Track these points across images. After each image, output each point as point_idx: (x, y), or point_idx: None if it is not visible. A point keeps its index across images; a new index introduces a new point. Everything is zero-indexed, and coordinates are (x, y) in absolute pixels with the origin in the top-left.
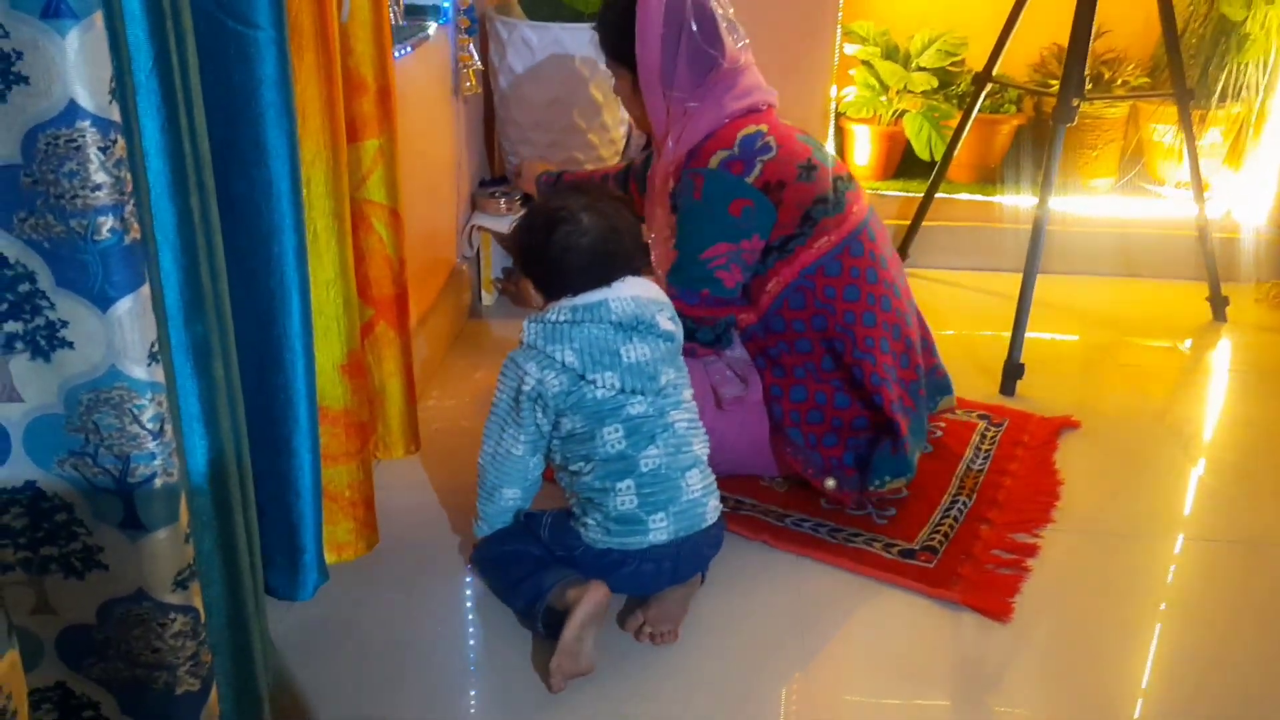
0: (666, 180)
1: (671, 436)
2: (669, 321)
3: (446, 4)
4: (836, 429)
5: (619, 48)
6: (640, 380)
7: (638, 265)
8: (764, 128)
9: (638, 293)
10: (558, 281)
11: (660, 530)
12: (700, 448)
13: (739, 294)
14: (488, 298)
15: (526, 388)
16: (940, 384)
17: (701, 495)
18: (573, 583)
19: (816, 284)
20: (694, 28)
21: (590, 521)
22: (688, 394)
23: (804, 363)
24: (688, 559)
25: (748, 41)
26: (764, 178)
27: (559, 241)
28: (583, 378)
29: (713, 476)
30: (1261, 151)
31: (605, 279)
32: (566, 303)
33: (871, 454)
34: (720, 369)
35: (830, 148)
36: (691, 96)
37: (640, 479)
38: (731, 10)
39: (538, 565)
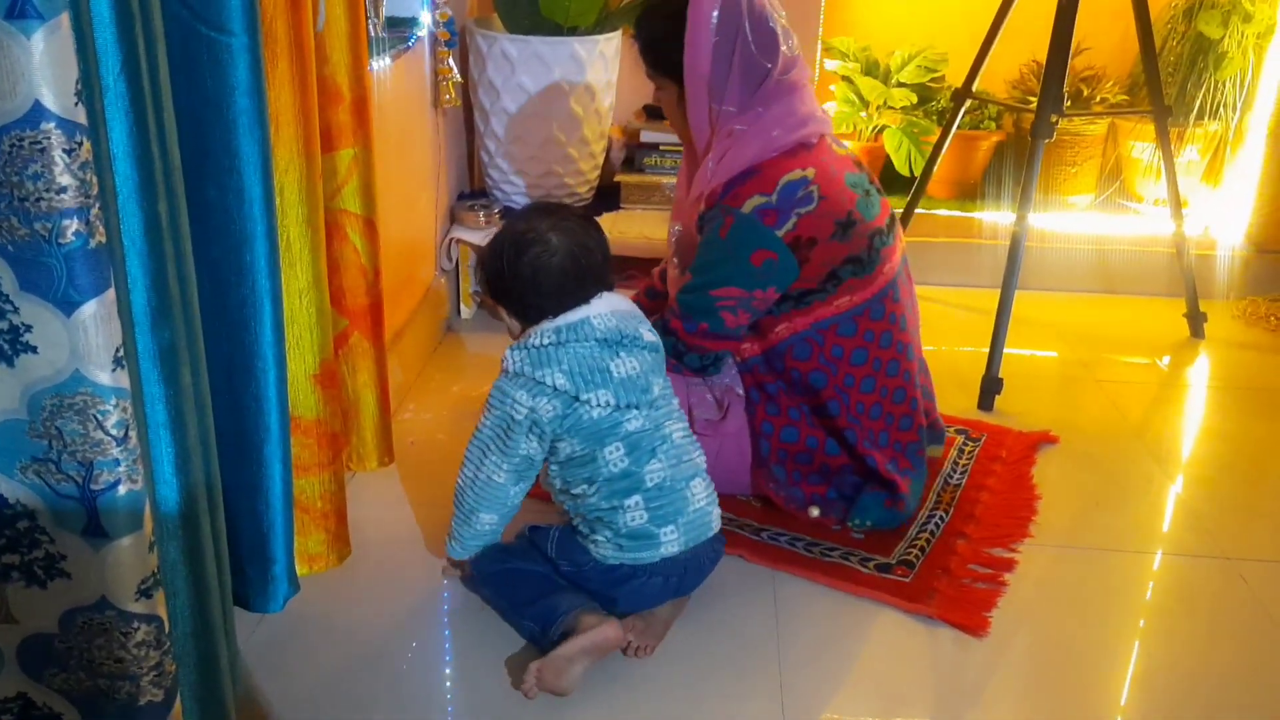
0: (699, 200)
1: (671, 448)
2: (650, 333)
3: (426, 16)
4: (824, 472)
5: (664, 57)
6: (634, 394)
7: (610, 280)
8: (810, 173)
9: (616, 307)
10: (534, 305)
11: (671, 542)
12: (699, 457)
13: (741, 334)
14: (466, 311)
15: (519, 416)
16: (934, 435)
17: (706, 504)
18: (590, 611)
19: (826, 340)
20: (749, 35)
21: (600, 539)
22: (676, 402)
23: (799, 405)
24: (691, 573)
25: (800, 54)
26: (796, 232)
27: (529, 264)
28: (576, 399)
29: (713, 484)
30: (1239, 168)
31: (582, 297)
32: (548, 325)
33: (859, 493)
34: (701, 393)
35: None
36: (740, 117)
37: (647, 494)
38: (784, 16)
39: (549, 587)
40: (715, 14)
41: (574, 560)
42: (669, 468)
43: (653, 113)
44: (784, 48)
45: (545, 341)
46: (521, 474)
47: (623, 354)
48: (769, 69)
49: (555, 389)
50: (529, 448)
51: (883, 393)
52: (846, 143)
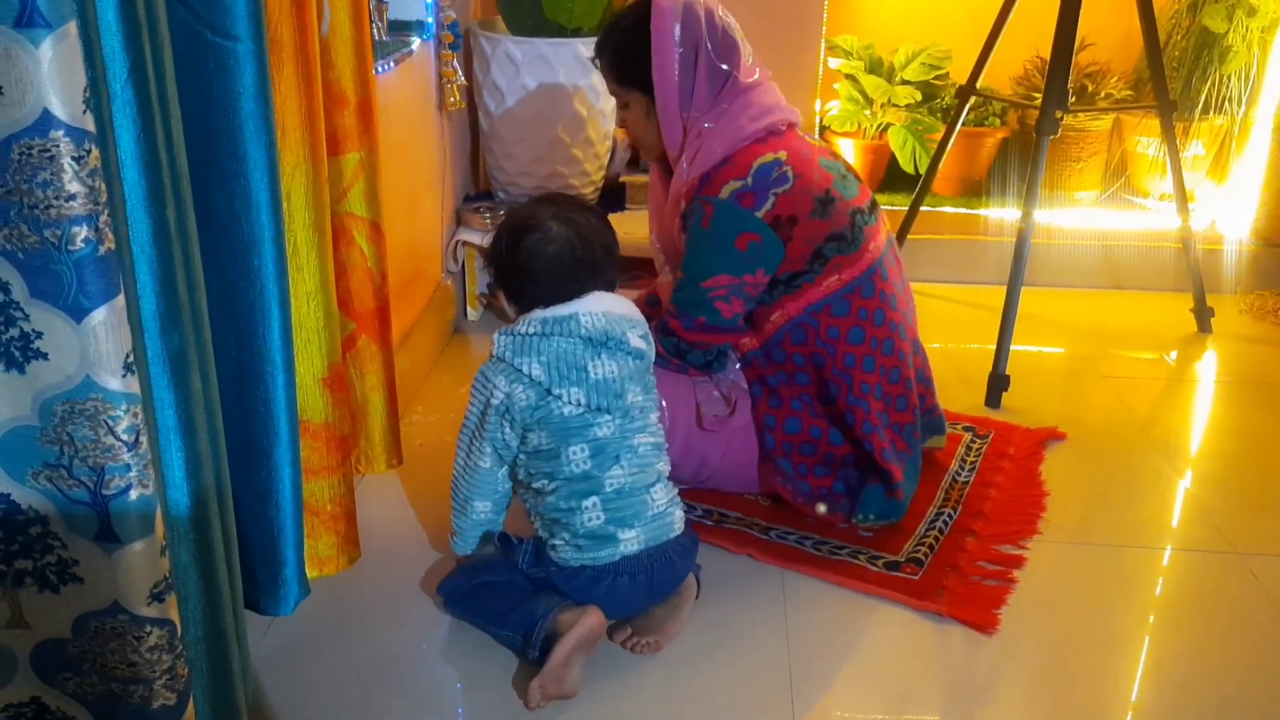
0: (679, 201)
1: (635, 458)
2: (640, 339)
3: (430, 19)
4: (829, 463)
5: (631, 70)
6: (606, 398)
7: (610, 277)
8: (782, 155)
9: (609, 308)
10: (527, 291)
11: (631, 541)
12: (662, 465)
13: (738, 324)
14: (473, 313)
15: (495, 401)
16: (934, 424)
17: (667, 507)
18: (567, 607)
19: (821, 322)
20: (709, 45)
21: (558, 542)
22: (653, 417)
23: (800, 395)
24: (661, 571)
25: (756, 62)
26: (776, 211)
27: (526, 249)
28: (549, 392)
29: (675, 490)
30: (1244, 163)
31: (576, 290)
32: (537, 315)
33: (862, 486)
34: (708, 389)
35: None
36: (708, 116)
37: (605, 497)
38: (736, 24)
39: (524, 594)
40: (677, 26)
41: (544, 567)
42: (630, 475)
43: None
44: (743, 53)
45: (530, 330)
46: (503, 458)
47: (604, 356)
48: (731, 73)
49: (531, 379)
50: (504, 433)
51: (881, 371)
52: (852, 141)
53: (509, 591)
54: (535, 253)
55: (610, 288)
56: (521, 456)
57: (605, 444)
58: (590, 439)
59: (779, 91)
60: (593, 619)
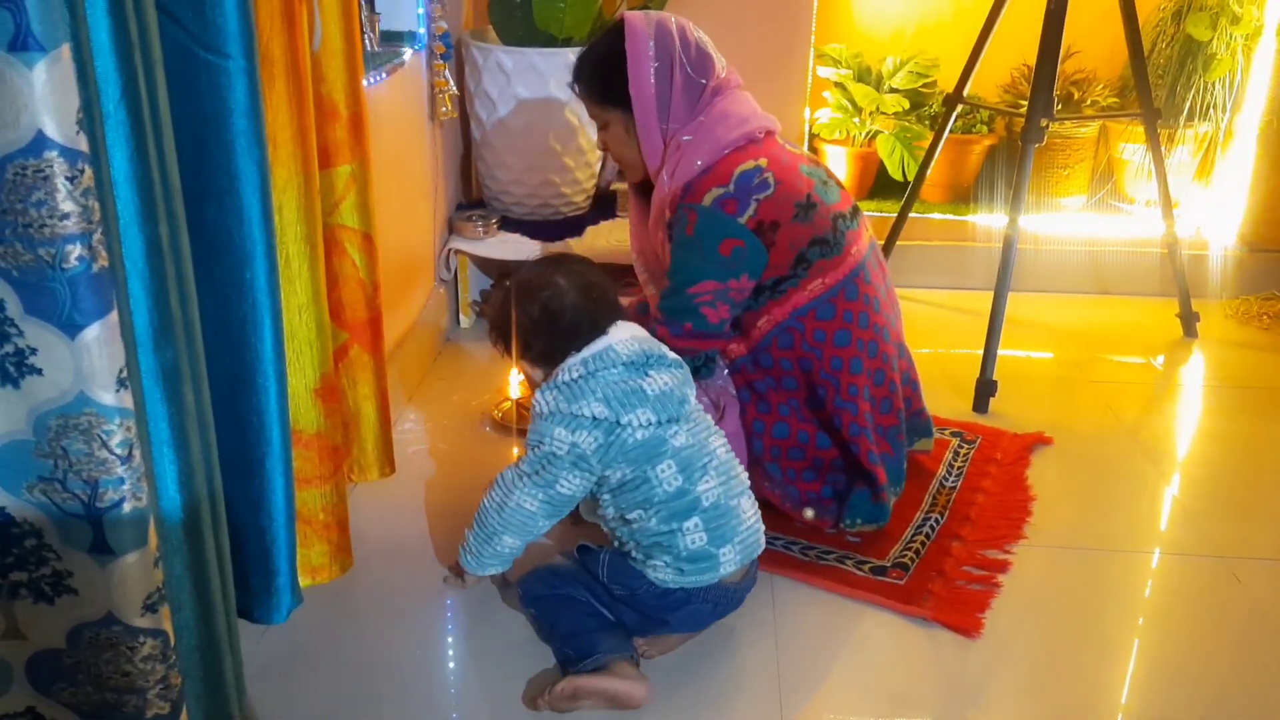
0: (663, 212)
1: (719, 464)
2: (672, 353)
3: (421, 30)
4: (817, 467)
5: (609, 90)
6: (671, 407)
7: (622, 315)
8: (763, 162)
9: (634, 333)
10: (554, 345)
11: (729, 562)
12: (743, 474)
13: (725, 330)
14: (465, 321)
15: (560, 452)
16: (921, 426)
17: (755, 521)
18: (626, 661)
19: (807, 326)
20: (683, 59)
21: (659, 563)
22: (710, 419)
23: (788, 400)
24: (733, 599)
25: (731, 73)
26: (758, 217)
27: (543, 305)
28: (617, 424)
29: (756, 502)
30: (1229, 169)
31: (599, 330)
32: (573, 360)
33: (849, 492)
34: (697, 396)
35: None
36: (685, 129)
37: (705, 514)
38: (708, 39)
39: (594, 623)
40: (651, 43)
41: (627, 585)
42: (719, 485)
43: None
44: (716, 66)
45: (574, 375)
46: (557, 509)
47: (652, 372)
48: (705, 84)
49: (595, 419)
50: (570, 485)
51: (868, 374)
52: (841, 149)
53: (584, 616)
54: (553, 306)
55: (625, 319)
56: (606, 496)
57: (689, 456)
58: (672, 453)
59: (754, 101)
60: (638, 690)
